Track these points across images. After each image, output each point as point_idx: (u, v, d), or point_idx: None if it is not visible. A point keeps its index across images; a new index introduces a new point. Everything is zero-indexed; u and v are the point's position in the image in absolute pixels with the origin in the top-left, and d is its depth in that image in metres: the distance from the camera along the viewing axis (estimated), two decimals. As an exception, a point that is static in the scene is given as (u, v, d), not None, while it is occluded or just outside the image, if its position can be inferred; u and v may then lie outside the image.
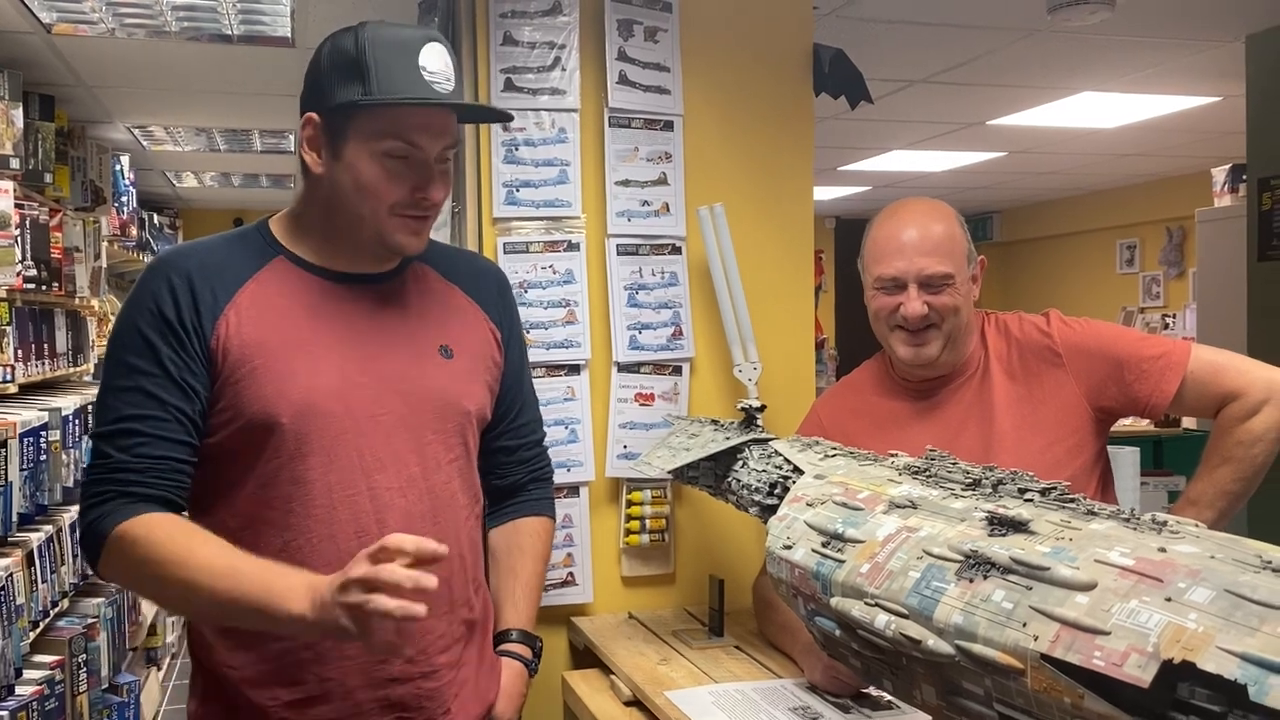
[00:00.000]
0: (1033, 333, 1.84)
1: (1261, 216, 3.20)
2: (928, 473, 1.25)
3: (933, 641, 0.98)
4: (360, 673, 1.39)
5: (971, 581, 0.97)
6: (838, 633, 1.15)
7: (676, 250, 2.16)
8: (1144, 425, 3.80)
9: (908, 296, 1.75)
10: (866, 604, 1.08)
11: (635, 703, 1.75)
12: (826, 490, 1.32)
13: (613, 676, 1.85)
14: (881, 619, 1.05)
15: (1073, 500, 1.06)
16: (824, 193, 7.51)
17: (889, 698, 1.65)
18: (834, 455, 1.47)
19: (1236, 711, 0.75)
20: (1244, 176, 3.58)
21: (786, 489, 1.50)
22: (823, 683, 1.68)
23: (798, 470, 1.49)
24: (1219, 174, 3.79)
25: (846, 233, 8.76)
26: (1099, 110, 4.64)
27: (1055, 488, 1.08)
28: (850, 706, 1.62)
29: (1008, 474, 1.16)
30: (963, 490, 1.16)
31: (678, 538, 2.20)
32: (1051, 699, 0.86)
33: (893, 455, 1.38)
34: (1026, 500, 1.07)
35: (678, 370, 2.17)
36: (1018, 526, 1.01)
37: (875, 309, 1.82)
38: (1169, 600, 0.83)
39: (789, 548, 1.26)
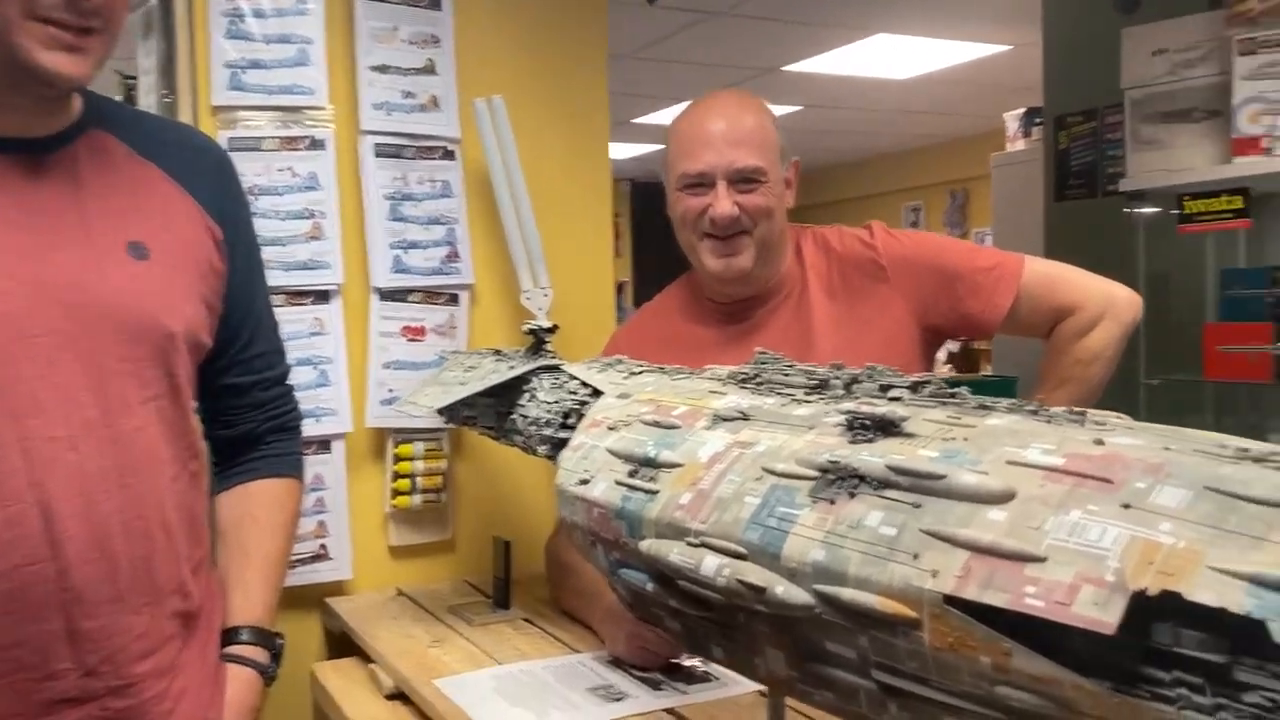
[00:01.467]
0: (855, 246, 1.64)
1: (1059, 156, 3.15)
2: (758, 379, 0.97)
3: (782, 589, 0.70)
4: (15, 694, 1.00)
5: (833, 503, 0.70)
6: (649, 586, 0.86)
7: (449, 155, 1.81)
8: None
9: (716, 195, 1.52)
10: (689, 544, 0.79)
11: (399, 695, 1.41)
12: (633, 410, 1.02)
13: (373, 665, 1.50)
14: (710, 563, 0.76)
15: (953, 394, 0.80)
16: (616, 150, 7.28)
17: (705, 668, 1.39)
18: (640, 372, 1.18)
19: (1245, 661, 0.50)
20: (1038, 120, 3.55)
21: (583, 416, 1.20)
22: (627, 654, 1.41)
23: (597, 393, 1.19)
24: (1012, 119, 3.77)
25: (643, 196, 8.55)
26: (893, 58, 4.58)
27: (929, 381, 0.82)
28: (661, 682, 1.35)
29: (863, 370, 0.90)
30: (806, 395, 0.89)
31: (457, 497, 1.86)
32: (961, 659, 0.60)
33: (711, 367, 1.11)
34: (893, 399, 0.81)
35: (454, 299, 1.83)
36: (888, 428, 0.74)
37: (681, 213, 1.57)
38: (1127, 507, 0.57)
39: (586, 483, 0.96)
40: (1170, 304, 2.80)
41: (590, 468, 0.98)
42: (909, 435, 0.73)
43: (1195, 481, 0.57)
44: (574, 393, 1.28)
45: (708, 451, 0.86)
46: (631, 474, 0.91)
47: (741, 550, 0.75)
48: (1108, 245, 2.76)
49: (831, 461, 0.73)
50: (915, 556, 0.63)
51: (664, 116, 6.18)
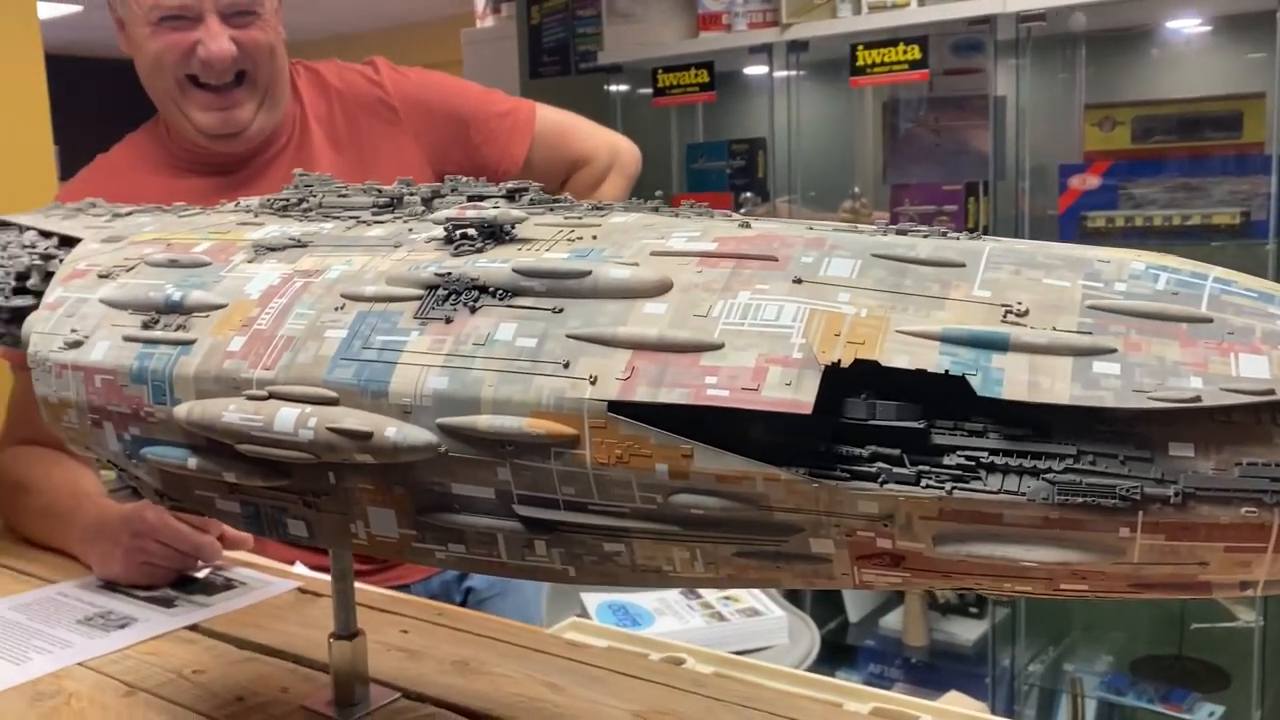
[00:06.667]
0: (359, 83, 1.49)
1: (532, 33, 3.17)
2: (304, 205, 0.80)
3: (395, 430, 0.57)
4: None
5: (449, 321, 0.58)
6: (192, 463, 0.67)
7: None
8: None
9: (207, 31, 1.29)
10: (251, 398, 0.62)
11: None
12: (133, 253, 0.80)
13: None
14: (286, 416, 0.60)
15: (557, 200, 0.71)
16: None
17: (229, 574, 1.20)
18: (130, 214, 0.93)
19: (941, 425, 0.48)
20: (507, -5, 3.54)
21: (51, 274, 0.93)
22: (125, 574, 1.17)
23: (69, 243, 0.92)
24: (479, -4, 3.74)
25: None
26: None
27: (526, 189, 0.72)
28: (175, 598, 1.14)
29: (445, 184, 0.77)
30: (376, 216, 0.75)
31: None
32: (631, 472, 0.52)
33: (226, 203, 0.91)
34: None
35: None
36: (499, 233, 0.63)
37: (156, 55, 1.32)
38: (799, 282, 0.52)
39: (78, 345, 0.73)
40: (645, 179, 2.98)
41: (81, 326, 0.74)
42: (525, 241, 0.62)
43: (861, 251, 0.53)
44: (31, 246, 0.99)
45: (258, 286, 0.68)
46: (149, 324, 0.70)
47: (330, 394, 0.60)
48: (584, 122, 2.84)
49: (440, 274, 0.60)
50: (566, 366, 0.53)
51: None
